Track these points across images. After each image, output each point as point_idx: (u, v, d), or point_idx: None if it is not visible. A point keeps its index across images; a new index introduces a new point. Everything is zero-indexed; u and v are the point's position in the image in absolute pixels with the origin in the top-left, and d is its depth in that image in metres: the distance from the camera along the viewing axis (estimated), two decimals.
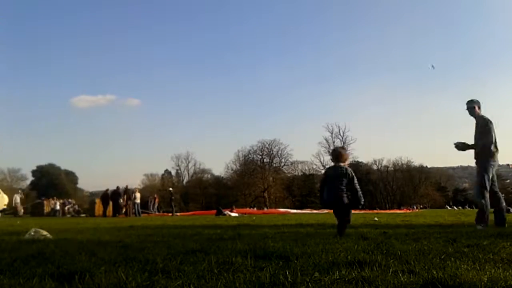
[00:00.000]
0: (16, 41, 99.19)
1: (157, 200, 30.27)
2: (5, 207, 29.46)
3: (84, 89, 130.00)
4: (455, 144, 6.66)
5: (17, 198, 27.52)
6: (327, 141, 65.30)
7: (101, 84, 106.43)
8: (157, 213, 27.39)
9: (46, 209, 29.29)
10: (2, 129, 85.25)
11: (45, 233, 5.35)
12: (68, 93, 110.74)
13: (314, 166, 67.83)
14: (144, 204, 26.55)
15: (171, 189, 30.98)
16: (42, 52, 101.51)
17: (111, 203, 23.61)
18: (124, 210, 23.72)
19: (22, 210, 27.53)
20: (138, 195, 23.90)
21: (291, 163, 66.09)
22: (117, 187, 24.61)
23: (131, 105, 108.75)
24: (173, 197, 27.71)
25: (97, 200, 27.30)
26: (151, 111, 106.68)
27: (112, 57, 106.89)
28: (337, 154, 5.08)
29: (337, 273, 2.31)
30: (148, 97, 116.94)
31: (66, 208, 30.12)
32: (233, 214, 20.27)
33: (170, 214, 25.34)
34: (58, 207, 29.07)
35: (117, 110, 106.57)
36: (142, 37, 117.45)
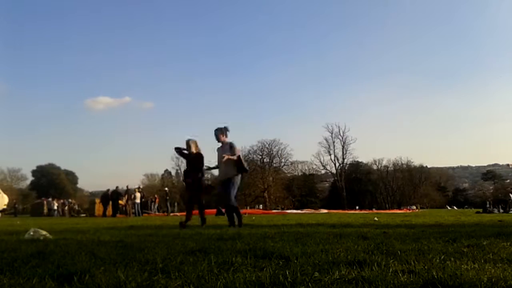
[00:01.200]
0: (20, 40, 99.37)
1: (157, 200, 30.32)
2: (5, 207, 29.44)
3: (89, 91, 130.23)
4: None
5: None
6: (327, 141, 65.46)
7: (102, 86, 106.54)
8: (157, 213, 27.43)
9: (46, 209, 29.31)
10: (3, 129, 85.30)
11: (44, 233, 5.34)
12: (73, 95, 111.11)
13: (314, 166, 67.95)
14: (144, 204, 26.56)
15: (166, 189, 31.13)
16: (43, 51, 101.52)
17: (111, 203, 23.60)
18: (124, 209, 23.71)
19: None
20: (138, 195, 23.89)
21: (291, 163, 66.13)
22: (117, 187, 24.62)
23: (133, 107, 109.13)
24: (168, 197, 27.82)
25: (97, 200, 27.32)
26: (151, 111, 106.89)
27: (113, 58, 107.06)
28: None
29: (337, 273, 2.31)
30: (148, 97, 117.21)
31: (66, 208, 30.11)
32: None
33: (165, 214, 25.42)
34: (55, 207, 29.07)
35: (118, 111, 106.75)
36: (142, 36, 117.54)
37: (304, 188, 65.12)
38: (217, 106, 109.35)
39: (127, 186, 25.06)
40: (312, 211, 27.79)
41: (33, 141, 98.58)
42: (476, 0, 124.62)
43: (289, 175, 66.19)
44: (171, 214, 25.25)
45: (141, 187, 28.86)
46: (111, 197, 23.69)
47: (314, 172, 68.87)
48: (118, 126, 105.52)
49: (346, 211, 27.12)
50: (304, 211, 27.74)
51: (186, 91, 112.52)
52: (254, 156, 64.29)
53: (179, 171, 69.70)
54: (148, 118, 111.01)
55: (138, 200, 23.58)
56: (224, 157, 7.27)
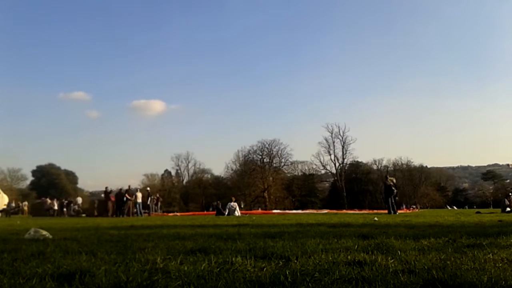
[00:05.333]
0: (17, 40, 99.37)
1: (158, 200, 30.35)
2: (5, 207, 29.43)
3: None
4: None
5: None
6: (327, 141, 65.27)
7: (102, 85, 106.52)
8: (157, 213, 27.44)
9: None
10: (3, 129, 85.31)
11: (45, 233, 5.35)
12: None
13: (314, 166, 67.82)
14: (145, 204, 26.53)
15: (148, 189, 31.25)
16: (43, 50, 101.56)
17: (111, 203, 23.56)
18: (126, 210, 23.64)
19: None
20: (139, 194, 23.87)
21: (291, 163, 66.03)
22: (127, 186, 24.90)
23: (130, 106, 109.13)
24: (151, 197, 27.96)
25: (96, 201, 27.33)
26: (151, 111, 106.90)
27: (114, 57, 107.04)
28: None
29: (337, 273, 2.31)
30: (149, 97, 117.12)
31: (72, 208, 30.10)
32: (236, 213, 20.05)
33: (148, 214, 25.10)
34: (56, 207, 29.04)
35: (117, 112, 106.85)
36: (143, 35, 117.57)
37: (304, 188, 65.03)
38: (217, 106, 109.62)
39: (129, 186, 25.24)
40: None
41: (33, 141, 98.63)
42: (478, 1, 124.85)
43: (289, 175, 66.11)
44: (172, 214, 25.28)
45: (142, 187, 28.92)
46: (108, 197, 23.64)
47: (314, 172, 68.78)
48: (118, 126, 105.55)
49: (346, 211, 27.17)
50: (304, 211, 27.81)
51: (186, 91, 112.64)
52: (254, 156, 64.31)
53: (179, 171, 69.75)
54: (146, 117, 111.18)
55: (139, 200, 23.56)
56: None
